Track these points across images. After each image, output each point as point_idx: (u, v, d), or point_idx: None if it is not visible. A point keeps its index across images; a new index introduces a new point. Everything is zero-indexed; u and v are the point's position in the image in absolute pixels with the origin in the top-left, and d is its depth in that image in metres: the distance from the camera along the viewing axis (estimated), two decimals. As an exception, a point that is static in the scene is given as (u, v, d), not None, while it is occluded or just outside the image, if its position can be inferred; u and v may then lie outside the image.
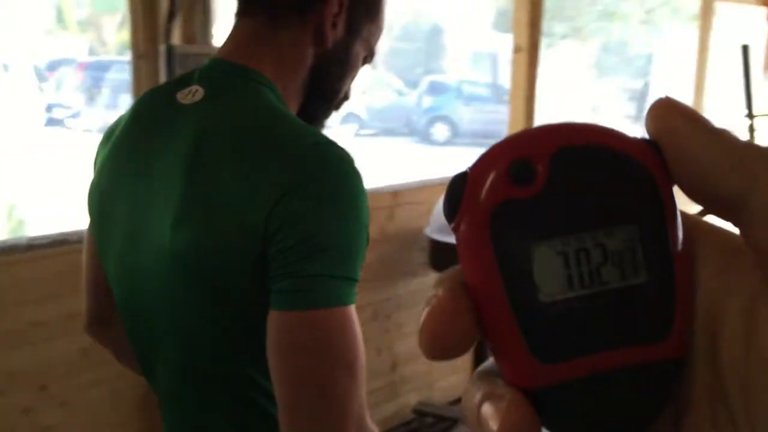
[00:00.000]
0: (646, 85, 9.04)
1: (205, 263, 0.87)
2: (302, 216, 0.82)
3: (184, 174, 0.88)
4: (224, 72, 0.95)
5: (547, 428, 0.25)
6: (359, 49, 1.03)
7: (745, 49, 4.10)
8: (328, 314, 0.82)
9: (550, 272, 0.24)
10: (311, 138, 0.87)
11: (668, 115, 0.24)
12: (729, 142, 0.23)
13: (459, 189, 0.25)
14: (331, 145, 0.88)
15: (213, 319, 0.91)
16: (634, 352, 0.24)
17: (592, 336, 0.24)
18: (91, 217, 1.02)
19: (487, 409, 0.24)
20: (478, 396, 0.25)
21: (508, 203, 0.24)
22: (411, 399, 3.19)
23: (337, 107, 1.07)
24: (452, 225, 0.25)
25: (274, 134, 0.88)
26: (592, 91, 8.66)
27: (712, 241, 0.25)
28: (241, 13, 0.98)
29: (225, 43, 0.99)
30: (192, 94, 0.94)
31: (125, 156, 0.98)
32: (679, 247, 0.25)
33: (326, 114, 1.06)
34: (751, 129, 4.25)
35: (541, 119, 3.37)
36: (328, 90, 1.03)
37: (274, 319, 0.83)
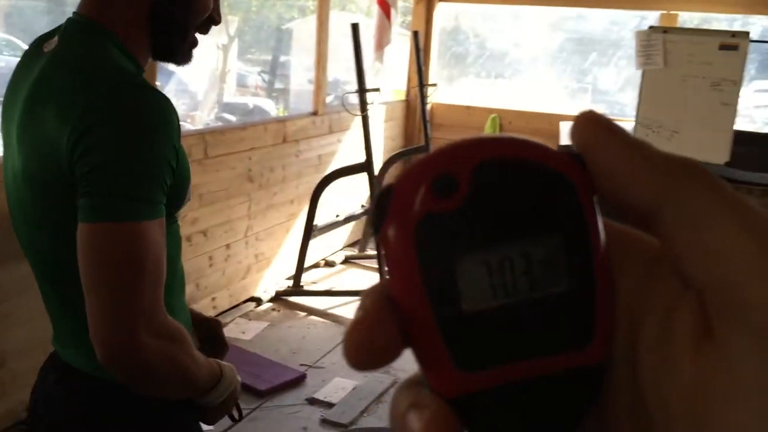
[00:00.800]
0: (275, 59, 9.35)
1: (35, 183, 1.10)
2: (96, 148, 1.01)
3: (22, 110, 1.11)
4: (76, 25, 1.15)
5: None
6: None
7: (355, 27, 4.29)
8: (113, 227, 1.01)
9: (473, 282, 0.24)
10: (116, 80, 1.06)
11: (590, 128, 0.25)
12: (646, 155, 0.24)
13: (385, 202, 0.25)
14: (132, 87, 1.06)
15: (47, 227, 1.12)
16: (555, 359, 0.25)
17: (514, 344, 0.24)
18: None
19: (411, 418, 0.24)
20: (403, 405, 0.25)
21: (431, 216, 0.24)
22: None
23: (189, 44, 1.25)
24: (378, 237, 0.25)
25: (88, 79, 1.06)
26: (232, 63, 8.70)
27: (635, 249, 0.25)
28: None
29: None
30: (51, 45, 1.13)
31: (7, 95, 1.18)
32: (601, 255, 0.25)
33: (182, 48, 1.24)
34: (363, 103, 4.45)
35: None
36: (166, 34, 1.20)
37: (78, 230, 1.03)
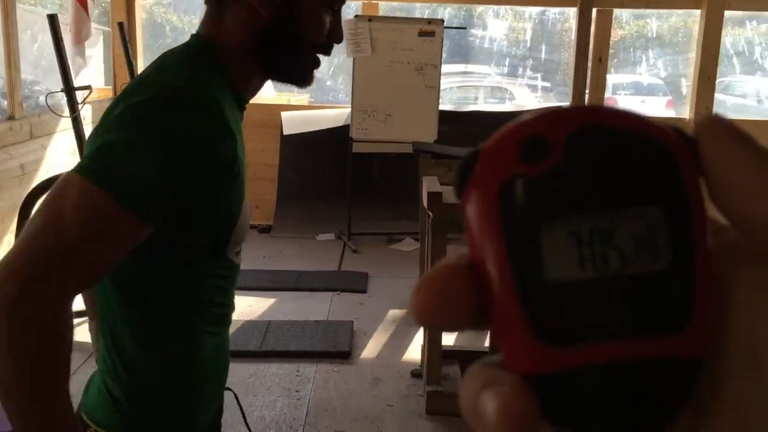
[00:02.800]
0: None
1: None
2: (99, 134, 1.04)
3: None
4: (191, 44, 1.19)
5: (547, 419, 0.23)
6: (310, 3, 1.18)
7: (53, 18, 3.88)
8: (77, 178, 0.98)
9: (560, 252, 0.23)
10: (153, 91, 1.05)
11: (715, 133, 0.23)
12: None
13: (470, 165, 0.24)
14: (157, 100, 1.04)
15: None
16: (646, 342, 0.23)
17: (601, 321, 0.23)
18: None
19: (485, 396, 0.22)
20: (476, 385, 0.23)
21: (519, 179, 0.23)
22: None
23: (314, 56, 1.23)
24: (460, 201, 0.24)
25: (140, 84, 1.09)
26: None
27: (751, 252, 0.23)
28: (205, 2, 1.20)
29: None
30: None
31: None
32: (703, 237, 0.23)
33: (295, 64, 1.22)
34: (73, 104, 4.04)
35: None
36: (276, 55, 1.18)
37: None
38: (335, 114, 6.46)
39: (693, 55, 6.28)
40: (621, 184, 0.23)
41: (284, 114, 6.39)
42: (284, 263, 5.39)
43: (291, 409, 3.32)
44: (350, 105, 5.87)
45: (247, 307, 4.44)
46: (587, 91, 6.29)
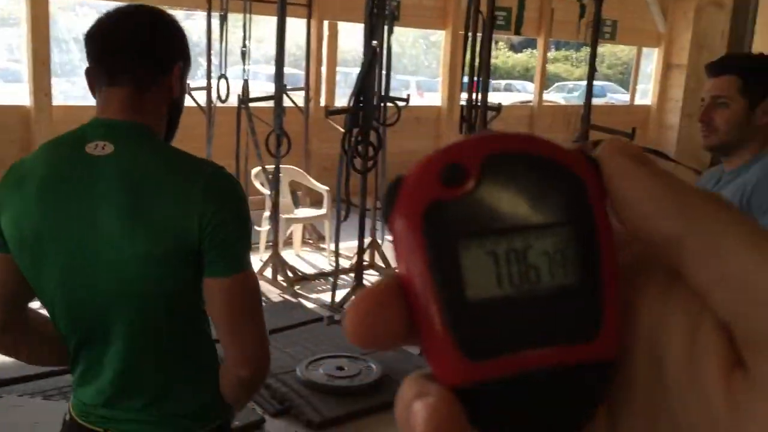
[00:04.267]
0: None
1: (157, 259, 1.32)
2: (223, 223, 1.33)
3: (127, 204, 1.31)
4: (123, 128, 1.37)
5: (475, 427, 0.25)
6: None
7: None
8: (246, 274, 1.37)
9: (479, 270, 0.25)
10: (207, 167, 1.38)
11: (618, 156, 0.25)
12: (672, 186, 0.24)
13: (395, 191, 0.26)
14: (220, 169, 1.39)
15: (163, 295, 1.37)
16: (560, 351, 0.25)
17: (518, 334, 0.25)
18: (17, 246, 1.37)
19: (415, 407, 0.24)
20: (408, 395, 0.25)
21: (439, 203, 0.25)
22: None
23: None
24: (388, 225, 0.26)
25: (184, 168, 1.36)
26: None
27: (655, 263, 0.26)
28: (110, 83, 1.39)
29: (104, 107, 1.39)
30: (102, 148, 1.34)
31: (52, 199, 1.34)
32: (609, 252, 0.25)
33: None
34: None
35: None
36: (176, 122, 1.52)
37: (212, 285, 1.36)
38: None
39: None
40: (531, 205, 0.25)
41: None
42: None
43: None
44: None
45: None
46: None
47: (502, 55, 21.31)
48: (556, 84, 17.49)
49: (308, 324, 4.49)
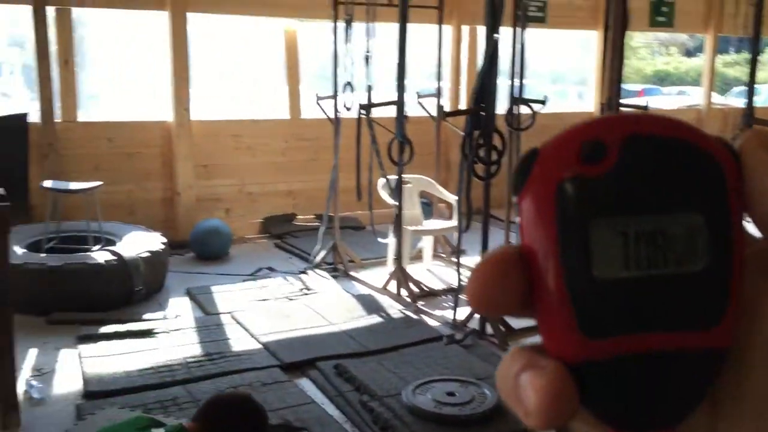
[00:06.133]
0: None
1: None
2: None
3: None
4: None
5: (586, 405, 0.25)
6: None
7: None
8: None
9: (608, 250, 0.25)
10: None
11: (761, 149, 0.25)
12: None
13: (529, 163, 0.26)
14: None
15: None
16: (681, 336, 0.25)
17: (641, 316, 0.25)
18: None
19: (526, 378, 0.25)
20: (516, 366, 0.25)
21: (576, 179, 0.25)
22: None
23: None
24: (517, 197, 0.26)
25: None
26: None
27: None
28: None
29: None
30: None
31: None
32: (740, 243, 0.25)
33: None
34: None
35: None
36: None
37: None
38: None
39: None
40: (669, 189, 0.25)
41: None
42: None
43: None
44: None
45: None
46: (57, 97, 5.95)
47: (674, 60, 19.94)
48: (736, 88, 15.97)
49: (425, 343, 4.17)
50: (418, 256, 5.91)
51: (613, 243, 0.25)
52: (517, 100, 4.86)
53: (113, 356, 3.89)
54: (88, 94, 6.55)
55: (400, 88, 4.63)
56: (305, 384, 3.69)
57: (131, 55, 6.91)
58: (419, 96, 5.56)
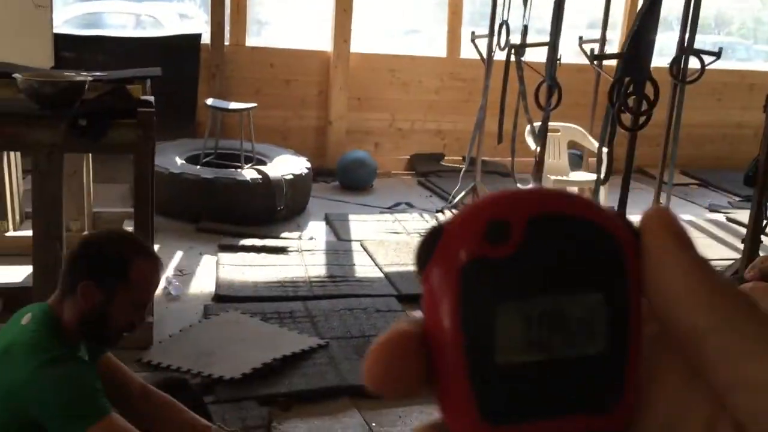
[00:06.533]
0: None
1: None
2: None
3: None
4: (44, 312, 1.84)
5: None
6: (115, 308, 1.83)
7: None
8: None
9: (511, 334, 0.24)
10: (39, 358, 1.72)
11: (661, 232, 0.25)
12: (707, 279, 0.25)
13: (433, 241, 0.25)
14: (52, 365, 1.72)
15: None
16: (580, 421, 0.25)
17: (542, 402, 0.25)
18: None
19: None
20: None
21: (480, 260, 0.25)
22: None
23: (110, 339, 1.91)
24: (422, 274, 0.26)
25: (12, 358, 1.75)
26: None
27: (675, 348, 0.25)
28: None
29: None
30: (26, 319, 1.84)
31: None
32: (637, 325, 0.25)
33: (104, 339, 1.90)
34: None
35: None
36: (96, 326, 1.84)
37: None
38: None
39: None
40: (571, 270, 0.25)
41: None
42: None
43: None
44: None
45: None
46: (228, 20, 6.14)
47: None
48: None
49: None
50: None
51: (516, 327, 0.25)
52: (686, 49, 4.49)
53: (246, 266, 4.14)
54: (257, 20, 6.84)
55: (555, 28, 4.42)
56: (418, 315, 3.75)
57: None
58: (581, 41, 5.27)
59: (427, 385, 0.25)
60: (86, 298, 1.81)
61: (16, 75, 2.95)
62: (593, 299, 0.25)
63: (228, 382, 2.89)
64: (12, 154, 4.05)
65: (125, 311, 1.85)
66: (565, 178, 5.43)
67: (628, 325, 0.25)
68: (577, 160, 6.04)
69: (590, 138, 5.61)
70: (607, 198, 5.29)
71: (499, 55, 5.33)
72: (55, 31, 5.35)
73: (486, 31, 5.47)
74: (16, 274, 3.80)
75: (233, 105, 5.54)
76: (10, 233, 4.13)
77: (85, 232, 4.23)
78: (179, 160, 5.16)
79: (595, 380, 0.25)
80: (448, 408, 0.25)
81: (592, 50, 4.10)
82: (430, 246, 0.26)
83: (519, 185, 5.07)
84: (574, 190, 5.52)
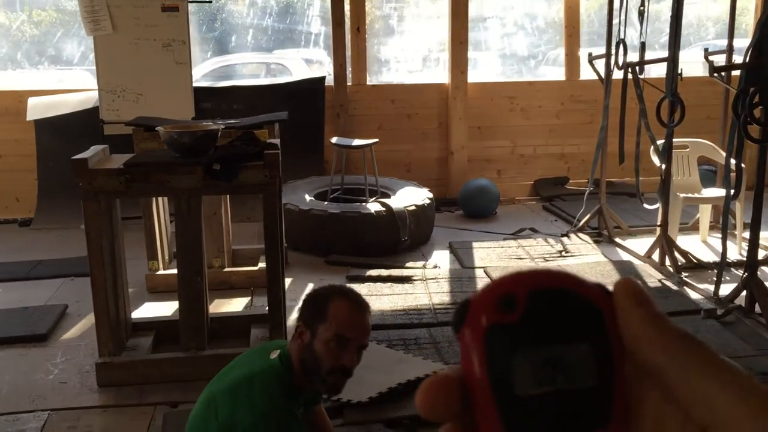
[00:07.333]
0: None
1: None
2: None
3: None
4: (283, 348, 2.10)
5: None
6: (318, 344, 1.98)
7: None
8: None
9: (524, 374, 0.34)
10: (266, 406, 1.94)
11: (625, 295, 0.35)
12: (658, 326, 0.34)
13: (463, 311, 0.36)
14: (274, 416, 1.94)
15: None
16: None
17: (552, 423, 0.34)
18: None
19: None
20: None
21: (496, 325, 0.35)
22: None
23: (327, 384, 2.03)
24: (457, 336, 0.36)
25: (250, 391, 1.98)
26: None
27: (652, 375, 0.34)
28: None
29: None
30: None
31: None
32: (620, 363, 0.34)
33: (321, 383, 2.02)
34: None
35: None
36: (311, 367, 2.00)
37: None
38: (84, 96, 5.97)
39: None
40: (564, 327, 0.34)
41: (30, 99, 5.94)
42: (31, 254, 5.22)
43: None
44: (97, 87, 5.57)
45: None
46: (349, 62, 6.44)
47: None
48: None
49: (680, 315, 3.92)
50: (695, 227, 5.50)
51: (527, 368, 0.34)
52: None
53: (373, 296, 4.29)
54: (376, 59, 7.11)
55: (673, 42, 4.32)
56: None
57: (413, 22, 7.32)
58: (707, 53, 5.10)
59: (465, 412, 0.34)
60: (300, 338, 2.02)
61: (158, 128, 3.28)
62: (583, 347, 0.34)
63: (356, 405, 3.01)
64: (160, 199, 4.43)
65: (329, 349, 1.97)
66: (696, 195, 5.22)
67: (611, 366, 0.34)
68: (710, 176, 5.79)
69: (721, 152, 5.36)
70: (742, 214, 5.03)
71: (619, 74, 5.25)
72: (195, 84, 5.82)
73: (603, 51, 5.42)
74: (167, 308, 4.16)
75: (356, 142, 5.77)
76: (160, 272, 4.50)
77: (226, 269, 4.56)
78: (308, 197, 5.43)
79: (589, 407, 0.34)
80: (482, 429, 0.34)
81: (711, 62, 3.96)
82: (462, 314, 0.36)
83: (646, 205, 4.94)
84: (707, 207, 5.30)
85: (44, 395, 3.23)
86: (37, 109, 5.89)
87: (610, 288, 0.36)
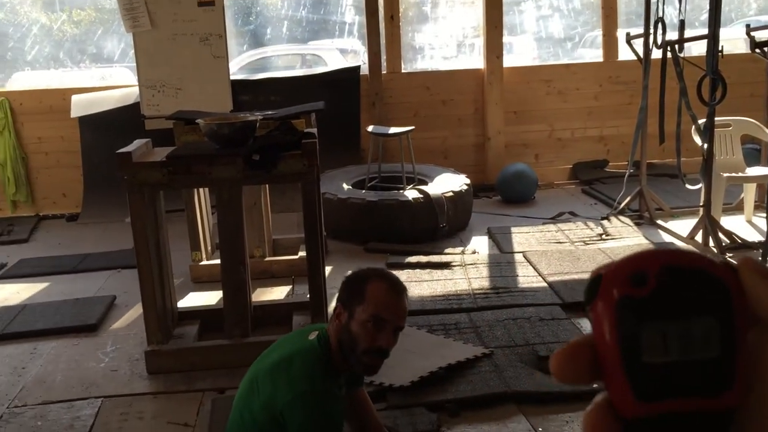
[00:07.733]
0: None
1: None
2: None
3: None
4: (323, 330, 2.17)
5: None
6: (355, 325, 2.03)
7: None
8: None
9: (653, 343, 0.37)
10: (305, 385, 2.01)
11: (751, 271, 0.38)
12: None
13: (596, 284, 0.38)
14: (313, 396, 2.01)
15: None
16: (703, 401, 0.37)
17: (675, 387, 0.37)
18: None
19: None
20: (594, 412, 0.39)
21: (628, 297, 0.37)
22: None
23: (363, 364, 2.09)
24: (589, 307, 0.39)
25: (289, 370, 2.05)
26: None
27: None
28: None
29: None
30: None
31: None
32: (742, 336, 0.37)
33: (358, 363, 2.08)
34: None
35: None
36: (348, 347, 2.05)
37: None
38: (125, 92, 6.05)
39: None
40: (691, 302, 0.37)
41: (74, 97, 5.99)
42: (79, 247, 5.37)
43: (8, 387, 3.33)
44: (137, 82, 5.66)
45: (15, 294, 4.52)
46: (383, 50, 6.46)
47: None
48: None
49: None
50: (739, 207, 5.40)
51: (656, 338, 0.37)
52: None
53: (413, 282, 4.31)
54: (411, 46, 7.10)
55: (714, 18, 4.23)
56: (584, 322, 3.71)
57: (446, 8, 7.29)
58: (749, 29, 4.98)
59: (594, 377, 0.38)
60: (338, 319, 2.06)
61: (198, 120, 3.34)
62: (708, 321, 0.36)
63: (398, 389, 3.05)
64: (201, 191, 4.51)
65: (366, 330, 2.01)
66: (740, 174, 5.12)
67: (734, 338, 0.37)
68: (755, 155, 5.67)
69: (766, 130, 5.25)
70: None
71: (658, 54, 5.16)
72: (232, 77, 5.90)
73: (641, 30, 5.33)
74: (211, 298, 4.24)
75: (392, 130, 5.78)
76: (204, 262, 4.59)
77: (267, 258, 4.63)
78: (346, 186, 5.47)
79: (713, 374, 0.36)
80: (612, 393, 0.38)
81: (752, 38, 3.88)
82: (595, 287, 0.38)
83: (688, 186, 4.87)
84: (752, 186, 5.19)
85: (96, 383, 3.33)
86: (80, 106, 6.02)
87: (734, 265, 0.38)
